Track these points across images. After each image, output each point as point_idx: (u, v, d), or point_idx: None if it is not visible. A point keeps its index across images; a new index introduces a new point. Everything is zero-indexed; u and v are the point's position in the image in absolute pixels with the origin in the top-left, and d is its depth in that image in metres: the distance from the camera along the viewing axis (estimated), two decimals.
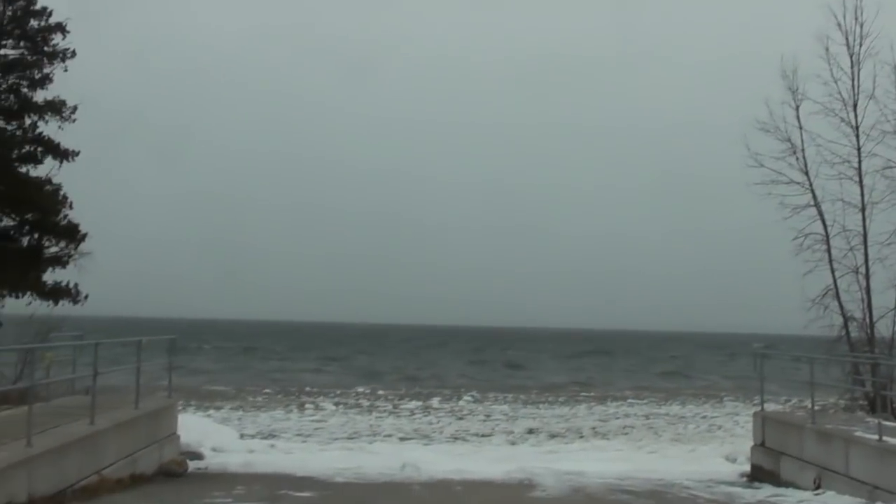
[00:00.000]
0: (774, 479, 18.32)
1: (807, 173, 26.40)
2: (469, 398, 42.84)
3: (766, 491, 17.23)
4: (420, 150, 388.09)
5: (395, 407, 37.40)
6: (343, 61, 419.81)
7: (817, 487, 16.57)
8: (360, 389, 47.31)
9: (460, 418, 33.92)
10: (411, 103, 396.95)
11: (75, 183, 29.35)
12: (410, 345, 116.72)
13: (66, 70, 29.25)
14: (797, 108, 26.58)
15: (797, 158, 26.47)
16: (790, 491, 17.01)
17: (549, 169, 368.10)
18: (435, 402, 40.56)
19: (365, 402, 39.54)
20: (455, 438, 27.36)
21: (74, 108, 28.93)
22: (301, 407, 36.38)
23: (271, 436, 25.15)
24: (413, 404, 38.92)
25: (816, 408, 18.68)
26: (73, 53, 29.16)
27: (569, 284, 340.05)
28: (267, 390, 44.16)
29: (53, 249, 28.57)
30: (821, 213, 26.17)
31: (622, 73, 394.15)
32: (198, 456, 19.40)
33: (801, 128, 26.53)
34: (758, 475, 19.18)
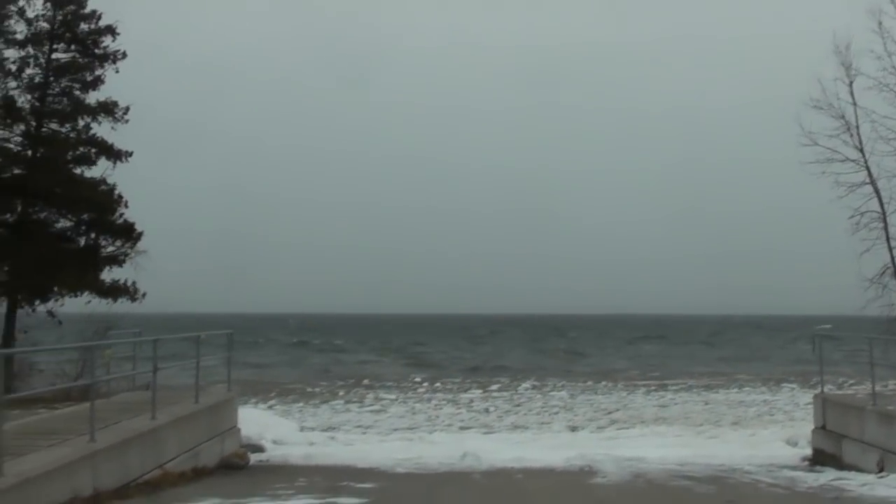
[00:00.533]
0: (836, 463, 18.11)
1: (861, 150, 26.13)
2: (528, 385, 42.74)
3: (829, 475, 16.99)
4: (439, 138, 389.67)
5: (454, 396, 37.35)
6: (351, 54, 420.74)
7: (881, 470, 16.36)
8: (418, 379, 47.37)
9: (519, 405, 33.84)
10: (424, 91, 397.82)
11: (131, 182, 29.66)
12: (464, 334, 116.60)
13: (117, 71, 29.57)
14: (851, 84, 26.29)
15: (851, 135, 26.20)
16: (852, 474, 16.76)
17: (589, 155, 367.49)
18: (494, 389, 40.50)
19: (423, 392, 39.53)
20: (515, 426, 27.30)
21: (127, 109, 29.28)
22: (360, 398, 36.45)
23: (331, 428, 25.22)
24: (472, 393, 38.90)
25: (878, 389, 18.47)
26: (124, 55, 29.51)
27: (615, 271, 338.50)
28: (324, 382, 44.24)
29: (110, 248, 28.88)
30: (877, 191, 25.89)
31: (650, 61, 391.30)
32: (259, 449, 19.54)
33: (854, 104, 26.24)
34: (819, 459, 18.98)
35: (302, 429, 23.42)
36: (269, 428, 21.28)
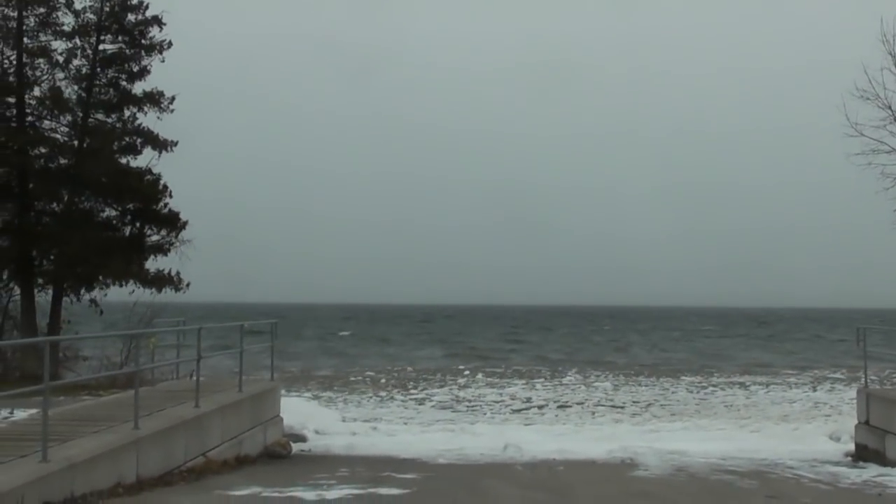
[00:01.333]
0: (880, 459, 17.94)
1: None
2: (571, 378, 42.70)
3: (872, 471, 16.87)
4: (427, 152, 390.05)
5: (496, 387, 37.35)
6: (348, 65, 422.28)
7: None
8: (462, 367, 47.54)
9: (563, 396, 33.81)
10: (415, 107, 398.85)
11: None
12: (505, 324, 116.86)
13: (163, 61, 29.74)
14: None
15: None
16: None
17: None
18: (538, 383, 40.43)
19: (466, 383, 39.53)
20: (557, 418, 27.29)
21: (172, 99, 29.51)
22: (402, 388, 36.55)
23: (374, 418, 25.30)
24: (516, 385, 38.87)
25: None
26: (170, 44, 29.70)
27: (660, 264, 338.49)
28: (369, 373, 44.36)
29: (155, 238, 29.12)
30: None
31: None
32: (301, 438, 19.63)
33: None
34: (862, 454, 18.82)
35: (344, 419, 23.47)
36: (312, 418, 21.36)
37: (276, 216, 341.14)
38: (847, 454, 19.33)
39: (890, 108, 25.80)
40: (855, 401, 20.60)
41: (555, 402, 31.76)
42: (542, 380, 41.74)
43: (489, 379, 41.70)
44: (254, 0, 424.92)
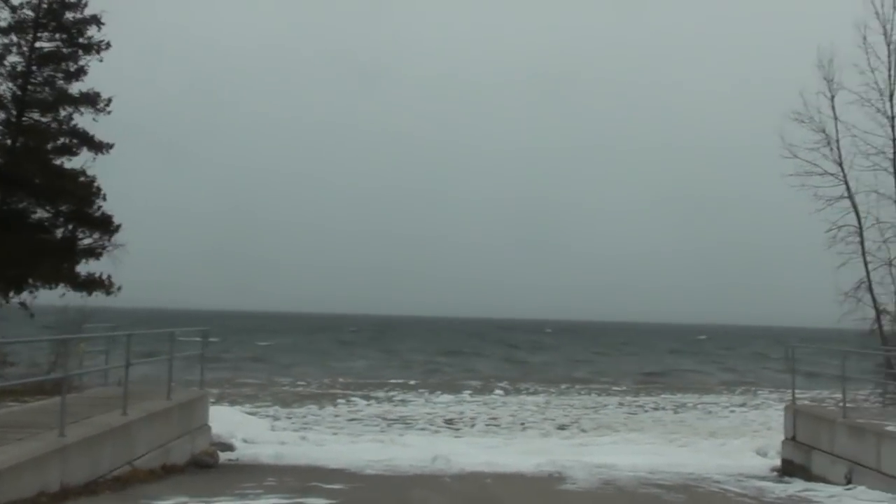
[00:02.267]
0: (805, 474, 18.24)
1: (841, 164, 26.27)
2: (500, 391, 42.84)
3: (797, 486, 17.13)
4: (432, 164, 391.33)
5: (426, 400, 37.40)
6: (354, 72, 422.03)
7: (848, 482, 16.49)
8: (394, 381, 47.51)
9: (493, 409, 33.91)
10: (420, 119, 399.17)
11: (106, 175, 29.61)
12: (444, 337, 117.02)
13: (101, 61, 29.37)
14: (832, 98, 26.43)
15: (831, 149, 26.34)
16: (821, 486, 16.91)
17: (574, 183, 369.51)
18: (467, 395, 40.55)
19: (397, 395, 39.55)
20: (486, 431, 27.37)
21: (109, 101, 29.09)
22: (332, 399, 36.48)
23: (303, 427, 25.23)
24: (446, 397, 38.94)
25: (848, 402, 18.59)
26: (108, 45, 29.26)
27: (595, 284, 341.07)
28: (300, 382, 44.26)
29: (88, 241, 28.75)
30: (854, 205, 26.03)
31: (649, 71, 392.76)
32: (229, 447, 19.51)
33: (836, 118, 26.37)
34: (788, 469, 19.10)
35: (273, 428, 23.42)
36: (240, 426, 21.28)
37: (284, 226, 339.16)
38: (773, 469, 19.59)
39: (824, 131, 26.24)
40: (782, 417, 20.86)
41: (486, 414, 31.86)
42: (469, 391, 41.90)
43: (422, 390, 41.76)
44: (260, 9, 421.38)
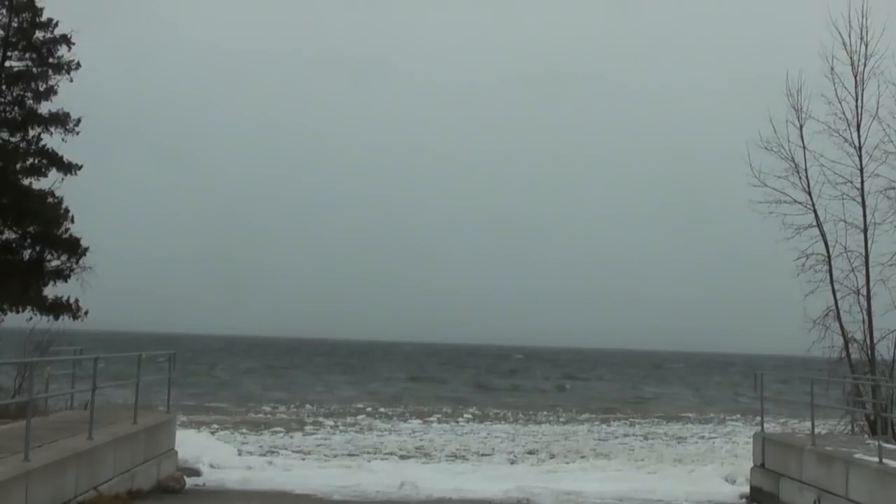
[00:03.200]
0: (773, 501, 18.31)
1: (809, 193, 26.34)
2: (469, 416, 42.81)
3: None
4: (418, 171, 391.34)
5: (394, 426, 37.30)
6: (346, 74, 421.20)
7: None
8: (361, 406, 47.37)
9: (461, 436, 33.84)
10: (412, 120, 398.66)
11: (76, 196, 29.39)
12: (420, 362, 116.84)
13: (71, 81, 29.24)
14: (801, 127, 26.50)
15: (800, 178, 26.42)
16: None
17: (553, 190, 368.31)
18: (435, 419, 40.50)
19: (364, 420, 39.44)
20: (454, 457, 27.27)
21: (78, 121, 28.92)
22: (301, 424, 36.30)
23: (270, 452, 25.09)
24: (414, 422, 38.87)
25: (817, 430, 18.66)
26: (78, 65, 29.12)
27: (569, 306, 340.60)
28: (265, 408, 44.05)
29: (55, 263, 28.51)
30: (823, 234, 26.10)
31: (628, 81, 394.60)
32: (195, 472, 19.35)
33: (804, 147, 26.45)
34: (757, 497, 19.17)
35: (240, 453, 23.25)
36: (207, 451, 21.10)
37: (275, 234, 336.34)
38: (742, 496, 19.66)
39: (792, 159, 26.38)
40: (751, 444, 20.91)
41: (455, 441, 31.77)
42: (438, 416, 41.86)
43: (390, 416, 41.70)
44: (255, 11, 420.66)
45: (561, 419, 42.91)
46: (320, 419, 38.62)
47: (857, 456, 16.34)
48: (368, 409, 44.73)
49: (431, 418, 40.98)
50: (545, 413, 45.79)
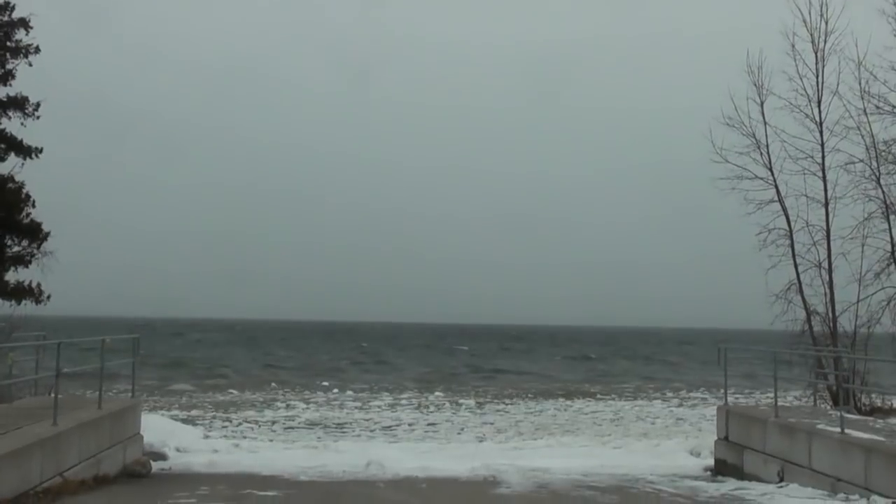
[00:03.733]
0: (738, 473, 18.45)
1: (770, 169, 26.61)
2: (440, 393, 42.96)
3: (730, 485, 17.34)
4: (423, 154, 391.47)
5: (363, 404, 37.37)
6: (348, 60, 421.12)
7: (780, 480, 16.73)
8: (326, 383, 47.57)
9: (428, 415, 33.93)
10: (412, 105, 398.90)
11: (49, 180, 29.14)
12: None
13: (30, 65, 28.97)
14: (762, 103, 26.78)
15: (761, 154, 26.69)
16: (753, 484, 17.15)
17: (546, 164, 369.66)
18: (404, 398, 40.61)
19: (334, 399, 39.49)
20: (422, 435, 27.35)
21: (38, 105, 28.68)
22: (269, 404, 36.31)
23: (236, 435, 25.08)
24: (383, 400, 38.98)
25: (780, 402, 18.84)
26: (37, 49, 28.83)
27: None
28: (232, 390, 43.99)
29: (16, 249, 28.32)
30: (784, 209, 26.37)
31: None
32: (161, 456, 19.26)
33: (765, 123, 26.74)
34: (721, 469, 19.29)
35: (206, 436, 23.17)
36: (173, 435, 20.98)
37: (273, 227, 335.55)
38: (707, 469, 19.76)
39: (754, 136, 26.62)
40: (715, 417, 21.07)
41: (423, 420, 31.87)
42: (408, 393, 41.97)
43: (360, 395, 41.78)
44: (256, 11, 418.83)
45: (528, 395, 43.12)
46: (288, 399, 38.66)
47: (819, 427, 16.49)
48: (336, 389, 44.75)
49: (402, 396, 41.13)
50: (515, 391, 46.00)
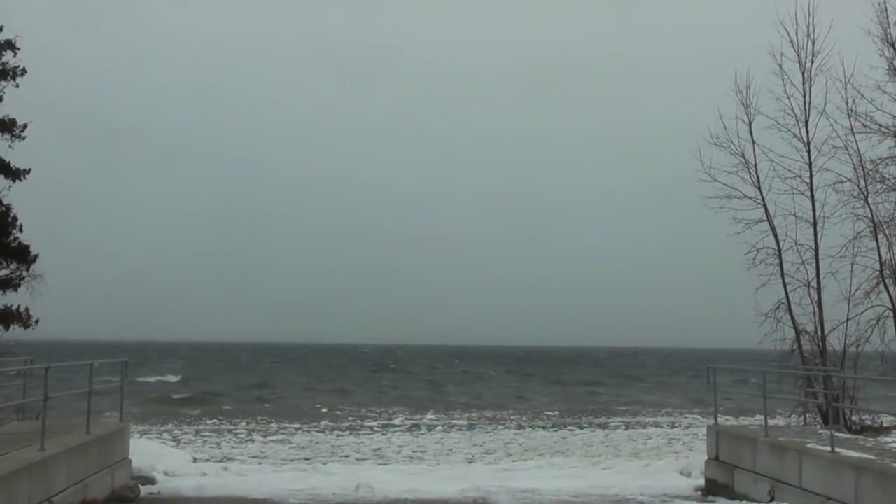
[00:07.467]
0: (728, 493, 18.41)
1: (759, 188, 26.69)
2: (432, 416, 42.89)
3: None
4: (419, 160, 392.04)
5: (353, 427, 37.26)
6: (344, 69, 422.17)
7: (771, 499, 16.71)
8: (318, 405, 47.44)
9: (417, 438, 33.84)
10: (412, 111, 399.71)
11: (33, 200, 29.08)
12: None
13: (17, 87, 28.91)
14: (750, 123, 26.90)
15: (750, 173, 26.77)
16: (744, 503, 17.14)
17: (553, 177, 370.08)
18: (397, 420, 40.52)
19: (326, 422, 39.35)
20: (412, 458, 27.25)
21: (24, 126, 28.64)
22: (259, 428, 36.17)
23: (225, 458, 24.96)
24: (373, 423, 38.88)
25: (770, 421, 18.83)
26: (24, 71, 28.83)
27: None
28: (224, 408, 43.84)
29: (4, 272, 28.20)
30: (773, 228, 26.41)
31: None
32: (150, 481, 19.14)
33: (754, 142, 26.85)
34: (712, 489, 19.25)
35: (195, 459, 23.05)
36: (161, 459, 20.88)
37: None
38: (697, 489, 19.71)
39: (742, 155, 26.71)
40: (706, 437, 21.05)
41: (413, 442, 31.78)
42: (401, 417, 41.85)
43: (351, 418, 41.70)
44: (246, 3, 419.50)
45: (522, 418, 43.04)
46: (277, 423, 38.50)
47: (809, 446, 16.48)
48: (326, 412, 44.63)
49: (394, 419, 41.02)
50: (504, 413, 45.93)
